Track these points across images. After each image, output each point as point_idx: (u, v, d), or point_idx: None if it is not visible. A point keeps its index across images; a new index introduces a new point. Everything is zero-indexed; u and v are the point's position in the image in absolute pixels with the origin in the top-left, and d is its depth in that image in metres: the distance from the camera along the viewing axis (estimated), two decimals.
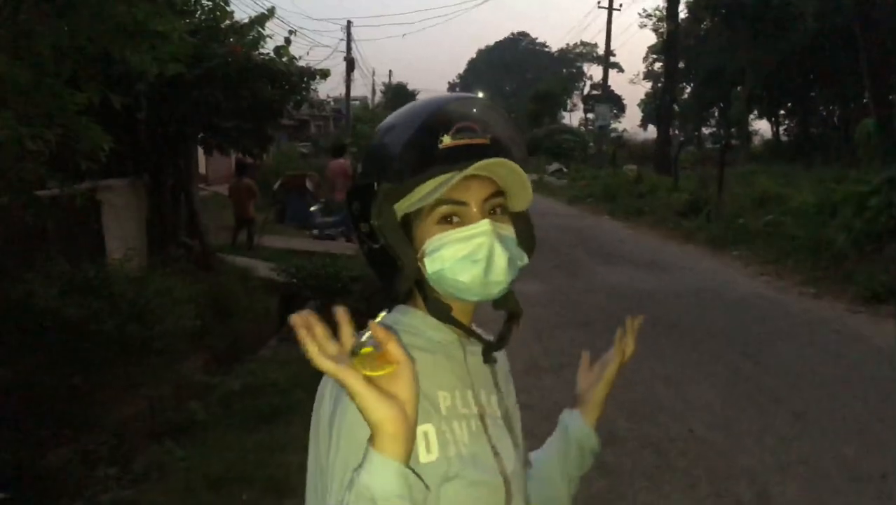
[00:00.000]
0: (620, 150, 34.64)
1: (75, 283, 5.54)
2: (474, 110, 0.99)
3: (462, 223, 0.97)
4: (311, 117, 32.05)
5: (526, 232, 1.05)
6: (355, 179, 1.08)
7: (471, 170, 0.93)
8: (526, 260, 1.03)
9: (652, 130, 41.02)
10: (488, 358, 1.06)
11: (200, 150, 9.89)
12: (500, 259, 0.96)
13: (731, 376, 5.71)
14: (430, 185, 0.96)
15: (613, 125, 48.53)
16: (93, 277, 5.72)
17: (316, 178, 15.87)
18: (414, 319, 1.03)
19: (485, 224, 0.96)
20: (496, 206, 0.99)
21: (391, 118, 1.05)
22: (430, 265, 0.97)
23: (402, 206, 0.99)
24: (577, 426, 1.25)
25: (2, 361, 5.12)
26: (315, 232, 13.47)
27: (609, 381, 1.27)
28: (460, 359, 1.04)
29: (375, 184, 0.98)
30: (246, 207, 11.77)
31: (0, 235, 5.43)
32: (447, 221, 0.97)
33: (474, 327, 1.07)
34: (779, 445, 4.43)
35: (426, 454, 0.92)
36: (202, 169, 16.11)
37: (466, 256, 0.95)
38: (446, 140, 0.95)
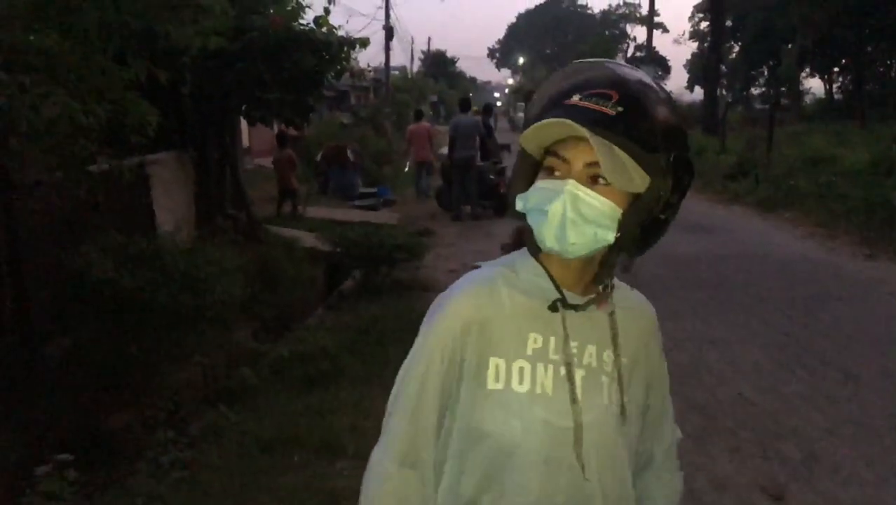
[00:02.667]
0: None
1: (129, 255, 5.69)
2: (619, 79, 1.02)
3: (562, 178, 1.02)
4: (351, 87, 32.02)
5: (640, 217, 1.03)
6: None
7: (544, 122, 0.99)
8: (610, 238, 1.02)
9: (698, 92, 39.93)
10: (554, 307, 1.09)
11: (244, 123, 10.00)
12: (563, 217, 0.99)
13: (780, 338, 5.63)
14: (533, 129, 1.01)
15: None
16: (145, 248, 5.87)
17: (357, 149, 15.94)
18: (526, 262, 1.12)
19: (568, 182, 1.00)
20: (597, 175, 1.00)
21: (557, 72, 1.12)
22: (518, 203, 1.06)
23: (528, 150, 1.06)
24: None
25: (62, 331, 5.33)
26: (357, 203, 13.64)
27: None
28: (559, 309, 1.10)
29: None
30: (289, 179, 11.91)
31: (56, 210, 5.60)
32: (550, 172, 1.04)
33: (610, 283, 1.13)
34: (828, 407, 4.37)
35: (519, 385, 1.06)
36: (246, 142, 16.30)
37: (538, 203, 1.02)
38: (575, 98, 1.01)
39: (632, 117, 0.98)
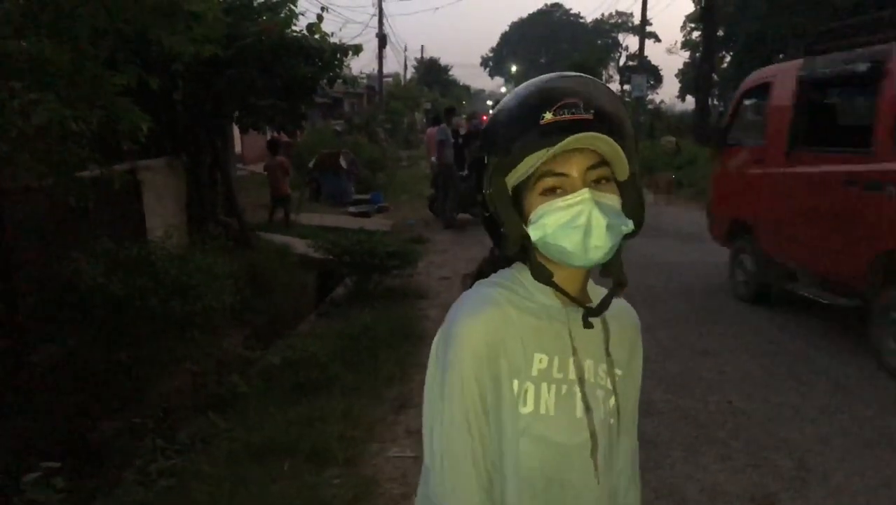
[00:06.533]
0: (658, 122, 34.00)
1: (119, 261, 5.67)
2: (578, 87, 1.05)
3: (565, 193, 1.03)
4: (345, 95, 32.06)
5: (633, 199, 1.08)
6: (472, 153, 1.19)
7: (559, 146, 0.98)
8: (631, 226, 1.06)
9: (690, 101, 40.15)
10: (587, 323, 1.10)
11: (236, 130, 9.99)
12: (599, 225, 1.01)
13: (770, 348, 5.64)
14: (532, 158, 1.02)
15: (650, 96, 47.65)
16: (136, 255, 5.84)
17: (350, 156, 15.95)
18: (526, 279, 1.11)
19: (584, 193, 1.01)
20: (600, 176, 1.04)
21: (505, 98, 1.13)
22: (534, 232, 1.05)
23: (512, 179, 1.06)
24: None
25: (51, 337, 5.29)
26: (350, 209, 13.64)
27: None
28: (563, 324, 1.10)
29: (486, 157, 1.08)
30: (281, 185, 11.89)
31: (45, 216, 5.57)
32: (551, 192, 1.04)
33: (590, 295, 1.15)
34: (819, 417, 4.38)
35: (523, 406, 1.06)
36: (238, 148, 16.28)
37: (566, 222, 1.02)
38: (547, 116, 1.01)
39: (602, 115, 1.02)
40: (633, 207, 1.07)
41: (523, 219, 1.06)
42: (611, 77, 70.96)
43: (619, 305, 1.20)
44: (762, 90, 6.89)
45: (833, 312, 6.00)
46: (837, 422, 4.31)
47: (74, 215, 5.71)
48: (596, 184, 1.03)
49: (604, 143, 1.00)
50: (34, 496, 3.47)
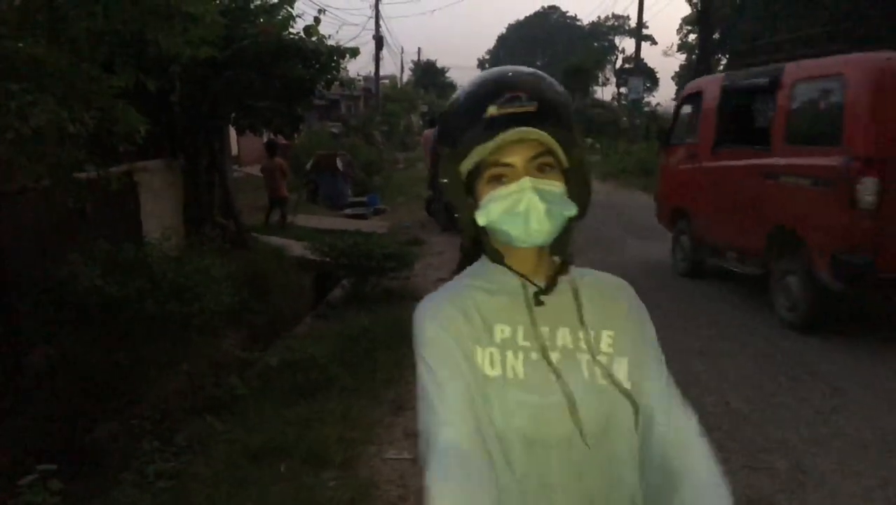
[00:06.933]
0: (654, 124, 34.01)
1: (116, 263, 5.66)
2: (522, 80, 1.12)
3: (510, 181, 1.10)
4: (342, 97, 32.07)
5: (579, 185, 1.15)
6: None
7: (496, 141, 1.07)
8: (575, 210, 1.13)
9: None
10: (537, 301, 1.16)
11: (233, 132, 9.99)
12: (538, 210, 1.08)
13: (766, 349, 5.66)
14: (479, 150, 1.10)
15: (647, 99, 47.69)
16: (133, 257, 5.84)
17: (347, 158, 15.96)
18: (487, 266, 1.20)
19: (524, 182, 1.09)
20: (544, 164, 1.11)
21: (457, 92, 1.21)
22: (481, 218, 1.13)
23: (464, 168, 1.14)
24: None
25: (48, 339, 5.29)
26: (347, 211, 13.64)
27: None
28: (523, 299, 1.17)
29: (441, 148, 1.17)
30: (278, 187, 11.89)
31: (42, 218, 5.57)
32: (497, 180, 1.11)
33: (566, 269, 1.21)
34: (815, 418, 4.39)
35: (490, 370, 1.12)
36: (235, 150, 16.28)
37: (508, 209, 1.09)
38: (491, 110, 1.08)
39: (546, 106, 1.09)
40: (579, 193, 1.14)
41: (476, 205, 1.14)
42: (607, 79, 71.12)
43: (607, 277, 1.27)
44: (696, 97, 8.12)
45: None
46: (834, 423, 4.32)
47: (71, 217, 5.71)
48: (540, 171, 1.10)
49: (540, 135, 1.07)
50: (30, 498, 3.47)
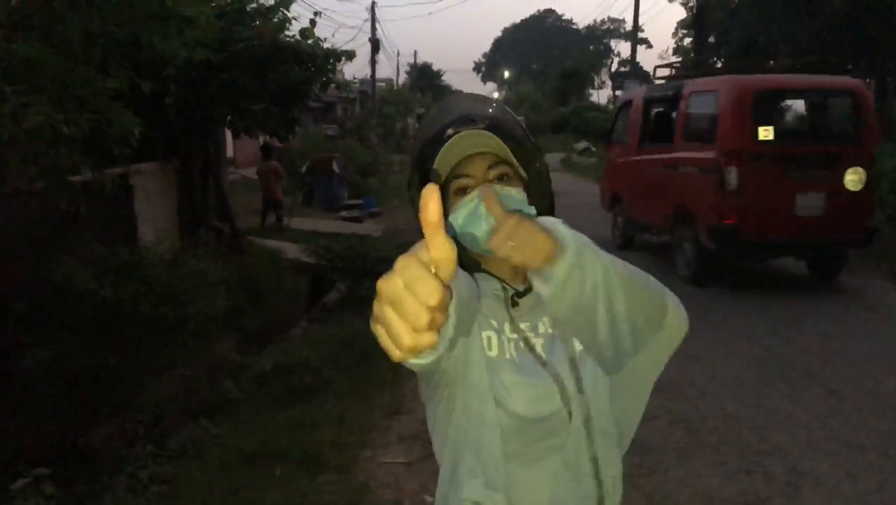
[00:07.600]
0: None
1: (110, 266, 5.64)
2: (472, 105, 1.28)
3: (472, 190, 1.21)
4: (338, 99, 32.07)
5: (539, 196, 1.25)
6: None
7: (446, 147, 1.18)
8: (534, 212, 1.17)
9: None
10: (514, 302, 1.26)
11: (228, 134, 9.97)
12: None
13: (762, 353, 5.66)
14: (441, 165, 1.21)
15: None
16: (127, 259, 5.82)
17: (342, 161, 15.93)
18: (475, 274, 1.26)
19: (482, 186, 1.19)
20: (502, 173, 1.23)
21: (422, 121, 1.35)
22: (450, 229, 1.18)
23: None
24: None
25: (41, 342, 5.26)
26: (343, 214, 13.61)
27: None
28: (504, 299, 1.27)
29: (412, 176, 1.28)
30: (273, 190, 11.87)
31: (37, 220, 5.54)
32: (462, 192, 1.23)
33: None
34: (811, 422, 4.39)
35: (489, 351, 1.22)
36: (230, 152, 16.24)
37: (470, 213, 1.17)
38: (449, 132, 1.21)
39: (495, 125, 1.21)
40: (540, 198, 1.24)
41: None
42: (603, 83, 71.31)
43: None
44: (628, 105, 10.17)
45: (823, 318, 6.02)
46: (828, 427, 4.32)
47: (65, 219, 5.68)
48: (499, 180, 1.22)
49: (486, 138, 1.18)
50: (23, 503, 3.45)
